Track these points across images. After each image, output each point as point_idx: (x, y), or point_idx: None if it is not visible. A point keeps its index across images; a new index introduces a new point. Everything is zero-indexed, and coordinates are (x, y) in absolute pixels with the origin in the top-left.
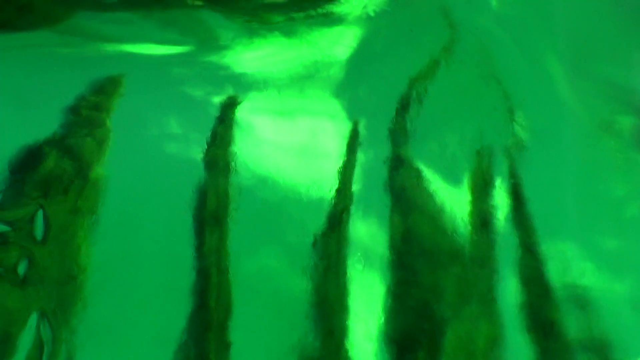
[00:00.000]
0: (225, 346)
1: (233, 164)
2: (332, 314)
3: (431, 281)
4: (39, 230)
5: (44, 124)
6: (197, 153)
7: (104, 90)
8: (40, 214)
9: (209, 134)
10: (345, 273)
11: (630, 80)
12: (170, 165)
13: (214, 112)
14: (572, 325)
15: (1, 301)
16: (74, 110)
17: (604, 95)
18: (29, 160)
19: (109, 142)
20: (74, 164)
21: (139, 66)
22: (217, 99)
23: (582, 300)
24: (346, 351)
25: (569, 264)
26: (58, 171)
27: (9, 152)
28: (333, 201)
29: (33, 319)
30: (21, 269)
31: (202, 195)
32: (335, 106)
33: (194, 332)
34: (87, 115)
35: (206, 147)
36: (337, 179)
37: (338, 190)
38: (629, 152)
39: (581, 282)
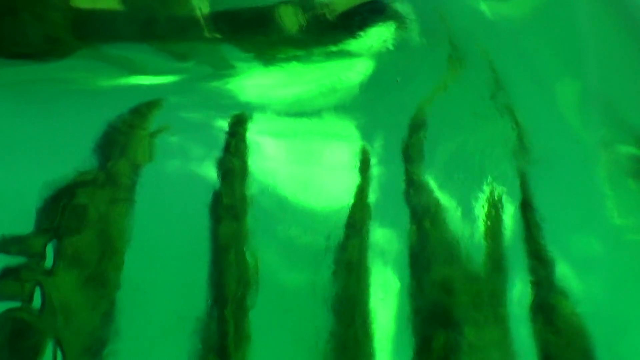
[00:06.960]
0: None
1: (247, 173)
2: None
3: (446, 303)
4: (50, 257)
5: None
6: (211, 166)
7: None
8: (53, 241)
9: (220, 148)
10: (367, 273)
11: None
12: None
13: (225, 130)
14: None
15: (20, 332)
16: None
17: (610, 125)
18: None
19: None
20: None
21: (149, 95)
22: (229, 121)
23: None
24: None
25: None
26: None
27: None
28: (352, 215)
29: (49, 349)
30: (37, 298)
31: (217, 196)
32: (350, 126)
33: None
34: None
35: (221, 156)
36: (354, 194)
37: (355, 204)
38: (623, 178)
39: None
